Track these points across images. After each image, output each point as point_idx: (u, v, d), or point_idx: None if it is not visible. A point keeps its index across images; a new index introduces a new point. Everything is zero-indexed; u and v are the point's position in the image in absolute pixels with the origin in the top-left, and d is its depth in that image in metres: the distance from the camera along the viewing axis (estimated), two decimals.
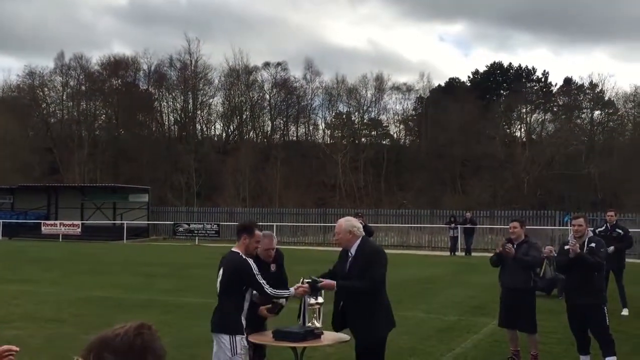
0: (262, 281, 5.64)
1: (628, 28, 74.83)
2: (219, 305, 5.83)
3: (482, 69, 64.01)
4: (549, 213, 33.29)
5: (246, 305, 5.79)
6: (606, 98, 57.55)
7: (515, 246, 8.43)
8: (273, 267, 6.72)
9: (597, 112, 58.74)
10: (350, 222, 6.14)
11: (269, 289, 5.67)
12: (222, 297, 5.79)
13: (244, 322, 5.73)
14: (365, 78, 61.01)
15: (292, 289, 5.92)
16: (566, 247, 7.95)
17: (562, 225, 28.16)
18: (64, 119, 62.40)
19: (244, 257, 5.72)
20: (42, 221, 39.97)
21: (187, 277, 18.63)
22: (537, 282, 9.04)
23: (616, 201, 42.87)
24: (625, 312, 11.92)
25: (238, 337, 5.67)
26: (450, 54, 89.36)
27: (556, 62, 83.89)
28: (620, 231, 12.39)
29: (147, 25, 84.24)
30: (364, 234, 6.22)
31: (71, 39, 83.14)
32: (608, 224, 12.40)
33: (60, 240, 36.68)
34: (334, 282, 5.93)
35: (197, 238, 36.62)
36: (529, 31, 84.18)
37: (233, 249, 5.89)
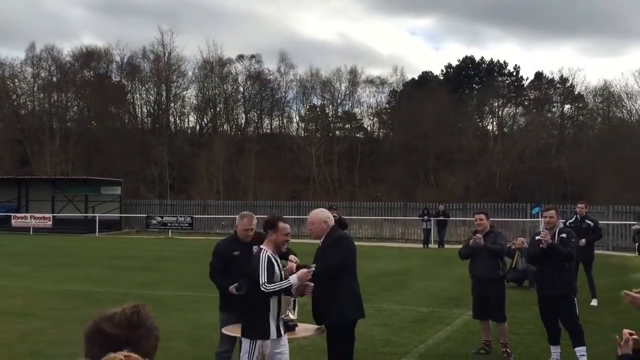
0: (263, 276, 5.33)
1: (595, 23, 75.86)
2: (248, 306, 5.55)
3: (453, 63, 64.47)
4: (521, 205, 33.65)
5: (274, 305, 5.42)
6: (576, 92, 58.38)
7: (481, 237, 8.60)
8: (255, 249, 6.58)
9: (567, 106, 59.67)
10: (325, 213, 6.26)
11: (264, 285, 5.33)
12: (249, 298, 5.51)
13: (273, 323, 5.39)
14: (339, 71, 61.10)
15: (293, 278, 5.52)
16: (537, 237, 8.07)
17: (533, 218, 28.49)
18: (35, 110, 61.48)
19: (262, 249, 5.53)
20: (13, 214, 39.40)
21: (160, 270, 18.53)
22: (506, 271, 9.20)
23: (586, 194, 43.43)
24: (594, 302, 12.12)
25: (259, 342, 5.38)
26: (421, 48, 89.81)
27: (527, 56, 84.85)
28: (590, 223, 12.60)
29: (119, 16, 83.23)
30: (333, 224, 6.30)
31: (41, 30, 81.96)
32: (578, 216, 12.61)
33: (31, 233, 36.19)
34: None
35: (170, 231, 36.42)
36: (499, 26, 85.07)
37: (261, 246, 5.67)
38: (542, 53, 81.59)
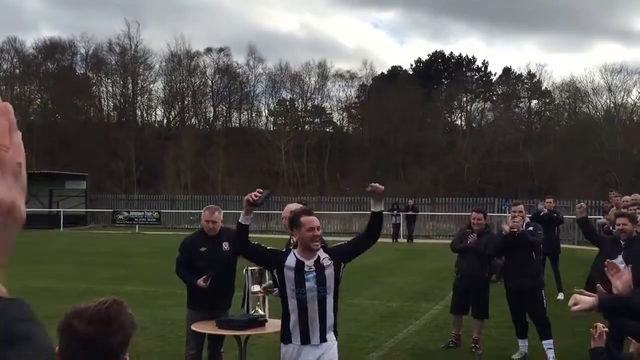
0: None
1: (558, 19, 76.66)
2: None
3: (421, 57, 64.70)
4: (488, 200, 33.98)
5: (295, 309, 4.81)
6: (543, 88, 59.12)
7: (476, 236, 8.65)
8: (226, 245, 6.44)
9: (534, 102, 60.33)
10: (298, 207, 6.15)
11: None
12: None
13: (297, 328, 4.81)
14: (309, 65, 60.96)
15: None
16: (506, 227, 8.20)
17: (501, 212, 28.78)
18: None
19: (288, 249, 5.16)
20: None
21: (127, 265, 18.30)
22: (492, 270, 9.32)
23: (552, 188, 44.00)
24: (560, 296, 12.25)
25: (283, 348, 4.92)
26: (385, 42, 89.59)
27: (493, 51, 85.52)
28: (555, 215, 12.82)
29: (80, 8, 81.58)
30: None
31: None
32: (546, 210, 12.77)
33: None
34: None
35: (137, 226, 36.01)
36: (463, 20, 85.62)
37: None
38: (505, 48, 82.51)
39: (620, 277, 3.58)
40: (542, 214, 12.19)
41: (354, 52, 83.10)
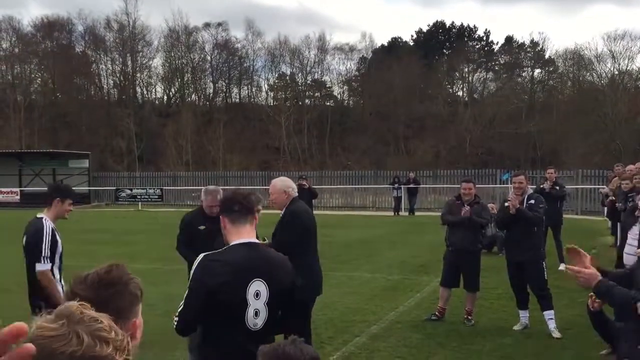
0: None
1: None
2: None
3: (415, 27, 64.22)
4: (490, 172, 33.96)
5: None
6: (546, 56, 58.64)
7: (468, 207, 8.59)
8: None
9: (537, 71, 59.90)
10: (285, 182, 6.02)
11: None
12: None
13: None
14: (308, 38, 60.72)
15: None
16: (506, 203, 8.16)
17: (503, 184, 28.79)
18: None
19: None
20: None
21: (132, 242, 18.41)
22: (484, 242, 9.28)
23: (555, 159, 44.01)
24: (562, 267, 12.27)
25: None
26: (380, 10, 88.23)
27: (491, 17, 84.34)
28: (557, 188, 12.76)
29: None
30: (297, 195, 6.04)
31: None
32: (548, 182, 12.71)
33: None
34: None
35: (140, 203, 36.12)
36: None
37: None
38: (500, 11, 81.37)
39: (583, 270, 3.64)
40: (545, 191, 12.14)
41: (351, 24, 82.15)
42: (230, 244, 3.42)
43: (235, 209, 3.43)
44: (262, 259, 3.39)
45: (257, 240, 3.50)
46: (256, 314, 3.32)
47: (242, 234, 3.41)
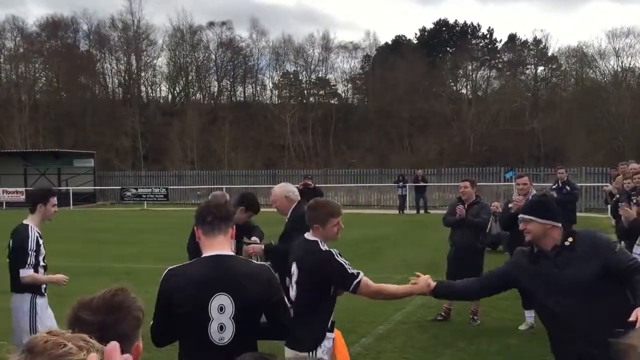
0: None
1: None
2: None
3: (419, 26, 64.09)
4: (494, 169, 33.95)
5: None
6: (549, 54, 58.58)
7: (466, 207, 8.60)
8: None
9: (540, 68, 59.82)
10: (285, 188, 6.15)
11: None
12: None
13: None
14: (312, 37, 60.67)
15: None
16: (510, 204, 8.18)
17: (507, 182, 28.78)
18: (1, 82, 60.28)
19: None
20: None
21: (137, 242, 18.47)
22: (485, 241, 9.30)
23: (559, 156, 43.96)
24: None
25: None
26: (382, 8, 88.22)
27: (489, 13, 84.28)
28: (568, 188, 12.60)
29: None
30: (299, 198, 6.10)
31: None
32: (559, 182, 12.59)
33: (4, 208, 35.75)
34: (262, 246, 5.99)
35: (145, 202, 36.21)
36: None
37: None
38: (498, 8, 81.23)
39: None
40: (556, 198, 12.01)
41: (352, 22, 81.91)
42: (201, 257, 3.44)
43: (208, 220, 3.42)
44: (229, 271, 3.35)
45: (228, 252, 3.45)
46: (221, 328, 3.30)
47: (214, 246, 3.40)
